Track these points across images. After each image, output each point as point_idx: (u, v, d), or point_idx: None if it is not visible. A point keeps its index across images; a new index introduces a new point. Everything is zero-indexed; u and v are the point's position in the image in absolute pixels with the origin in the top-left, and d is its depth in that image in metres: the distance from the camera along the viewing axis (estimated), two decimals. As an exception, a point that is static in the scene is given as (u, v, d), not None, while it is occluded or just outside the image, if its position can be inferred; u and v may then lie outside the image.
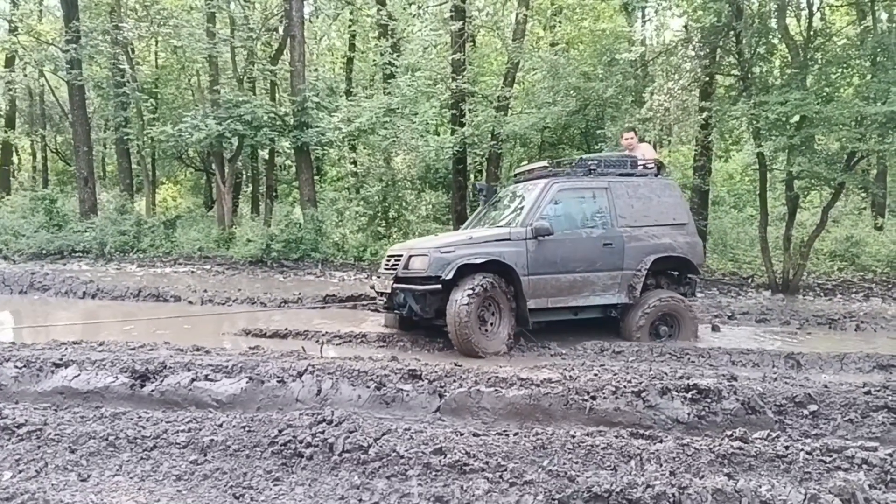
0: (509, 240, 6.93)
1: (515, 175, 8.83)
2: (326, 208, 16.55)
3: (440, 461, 3.44)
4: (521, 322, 6.96)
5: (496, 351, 6.56)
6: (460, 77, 14.95)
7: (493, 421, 4.26)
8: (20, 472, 3.60)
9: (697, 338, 7.50)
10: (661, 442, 3.72)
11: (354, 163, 18.39)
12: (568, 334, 7.45)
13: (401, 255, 7.14)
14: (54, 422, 4.16)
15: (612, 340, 7.13)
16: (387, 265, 7.43)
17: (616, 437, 3.83)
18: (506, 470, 3.35)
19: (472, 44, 17.83)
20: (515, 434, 3.85)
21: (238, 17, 16.99)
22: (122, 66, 16.77)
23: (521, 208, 7.36)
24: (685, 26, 13.70)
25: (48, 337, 6.75)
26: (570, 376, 4.62)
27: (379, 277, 7.51)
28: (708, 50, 12.29)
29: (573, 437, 3.72)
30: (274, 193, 19.91)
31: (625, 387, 4.33)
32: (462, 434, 3.81)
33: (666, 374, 5.01)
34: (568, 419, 4.24)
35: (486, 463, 3.42)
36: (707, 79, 13.21)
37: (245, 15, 16.95)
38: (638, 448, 3.57)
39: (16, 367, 4.99)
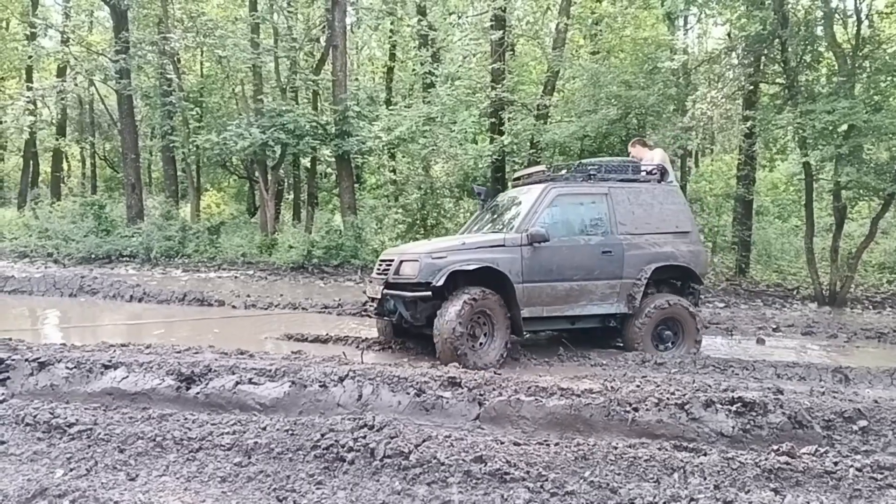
0: (503, 246, 6.70)
1: (515, 179, 8.63)
2: (366, 215, 16.71)
3: (480, 469, 3.45)
4: (516, 331, 6.75)
5: (485, 366, 6.16)
6: (500, 86, 14.98)
7: (532, 430, 4.24)
8: (71, 470, 3.70)
9: (698, 347, 7.25)
10: (705, 455, 3.66)
11: (394, 171, 18.53)
12: (605, 344, 7.38)
13: (392, 260, 6.92)
14: (104, 422, 4.27)
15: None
16: (379, 270, 7.19)
17: (659, 449, 3.79)
18: (547, 480, 3.34)
19: (511, 52, 17.85)
20: (556, 444, 3.83)
21: (281, 27, 17.31)
22: (168, 76, 17.20)
23: (518, 214, 7.14)
24: (728, 34, 13.52)
25: (97, 339, 6.93)
26: (612, 387, 4.58)
27: (371, 282, 7.29)
28: (752, 58, 12.11)
29: (615, 448, 3.69)
30: (315, 201, 20.16)
31: (668, 398, 4.27)
32: (502, 443, 3.81)
33: (709, 386, 4.93)
34: (609, 430, 4.20)
35: (527, 472, 3.42)
36: (751, 87, 13.02)
37: (288, 26, 17.26)
38: (681, 461, 3.53)
39: (67, 368, 5.11)
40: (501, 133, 15.08)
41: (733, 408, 4.19)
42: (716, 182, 17.10)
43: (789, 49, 11.10)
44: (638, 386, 4.67)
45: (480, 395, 4.52)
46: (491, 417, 4.36)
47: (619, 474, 3.46)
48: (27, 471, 3.66)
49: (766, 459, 3.55)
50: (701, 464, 3.50)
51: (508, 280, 6.57)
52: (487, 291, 6.47)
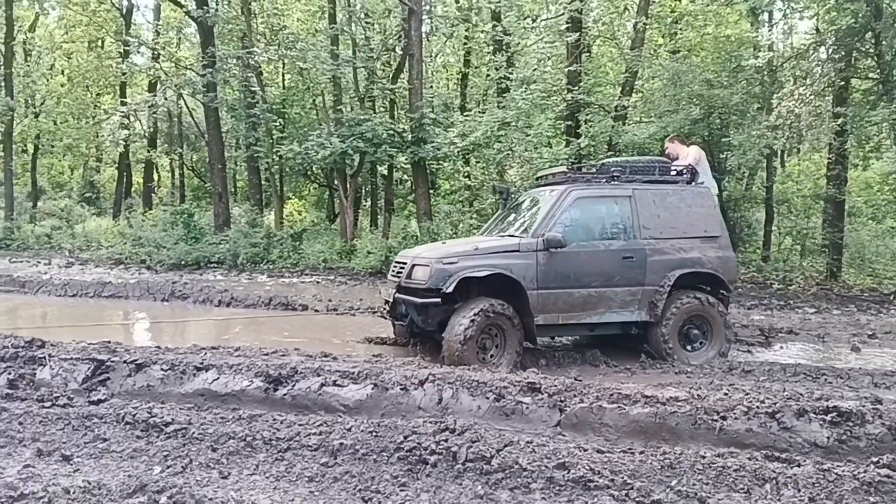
0: (518, 251, 6.53)
1: (537, 178, 8.40)
2: (441, 221, 16.83)
3: (563, 476, 3.44)
4: (529, 339, 6.58)
5: None
6: (576, 88, 14.84)
7: (616, 438, 4.19)
8: (168, 467, 3.87)
9: (728, 348, 6.95)
10: (798, 466, 3.53)
11: (468, 176, 18.60)
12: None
13: (405, 263, 6.84)
14: (197, 422, 4.45)
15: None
16: (393, 272, 7.10)
17: (749, 459, 3.67)
18: (632, 488, 3.29)
19: (588, 53, 17.65)
20: (641, 452, 3.78)
21: (359, 38, 17.68)
22: (253, 89, 17.83)
23: (536, 217, 6.94)
24: (816, 29, 12.97)
25: (188, 342, 7.24)
26: (698, 395, 4.47)
27: (386, 284, 7.22)
28: (843, 52, 11.56)
29: (703, 457, 3.60)
30: (391, 207, 20.47)
31: (757, 407, 4.14)
32: (585, 450, 3.78)
33: (801, 395, 4.73)
34: (696, 439, 4.10)
35: (612, 480, 3.38)
36: (842, 83, 12.42)
37: (366, 36, 17.61)
38: (773, 471, 3.42)
39: (162, 369, 5.34)
40: (578, 136, 14.92)
41: (828, 417, 4.02)
42: (804, 182, 16.38)
43: (884, 42, 10.54)
44: (725, 394, 4.53)
45: (561, 401, 4.49)
46: (572, 424, 4.33)
47: (707, 484, 3.37)
48: (127, 467, 3.86)
49: (864, 472, 3.40)
50: (794, 475, 3.38)
51: (522, 287, 6.41)
52: (499, 304, 6.33)
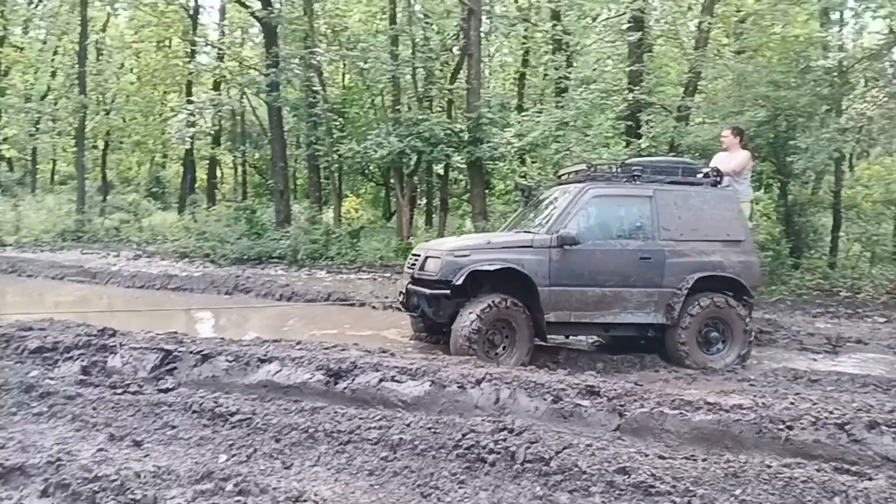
0: (531, 247, 6.49)
1: (559, 177, 8.30)
2: (496, 221, 16.81)
3: (624, 480, 3.41)
4: (539, 336, 6.52)
5: None
6: (637, 88, 14.62)
7: (677, 444, 4.12)
8: (233, 455, 3.97)
9: (746, 356, 6.72)
10: (869, 480, 3.42)
11: (524, 176, 18.54)
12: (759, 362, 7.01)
13: (419, 255, 6.87)
14: (261, 412, 4.56)
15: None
16: (409, 264, 7.15)
17: (817, 470, 3.57)
18: (695, 496, 3.25)
19: (649, 52, 17.36)
20: (703, 459, 3.71)
21: (418, 38, 17.81)
22: (314, 88, 18.15)
23: (552, 214, 6.88)
24: (890, 29, 12.46)
25: (251, 333, 7.44)
26: (763, 403, 4.36)
27: (402, 275, 7.28)
28: (920, 53, 11.09)
29: (768, 467, 3.52)
30: (446, 206, 20.55)
31: (826, 417, 4.02)
32: (646, 455, 3.74)
33: (872, 406, 4.57)
34: (760, 448, 4.01)
35: (674, 487, 3.34)
36: (921, 83, 11.91)
37: (426, 37, 17.73)
38: (843, 484, 3.32)
39: (227, 360, 5.49)
40: (639, 136, 14.70)
41: (902, 431, 3.88)
42: (874, 187, 15.76)
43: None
44: (792, 403, 4.41)
45: (620, 405, 4.45)
46: (632, 429, 4.28)
47: (773, 494, 3.30)
48: (195, 454, 3.98)
49: (941, 490, 3.27)
50: (865, 489, 3.28)
51: (533, 283, 6.35)
52: (509, 299, 6.28)
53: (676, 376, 6.38)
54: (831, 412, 4.12)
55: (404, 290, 7.04)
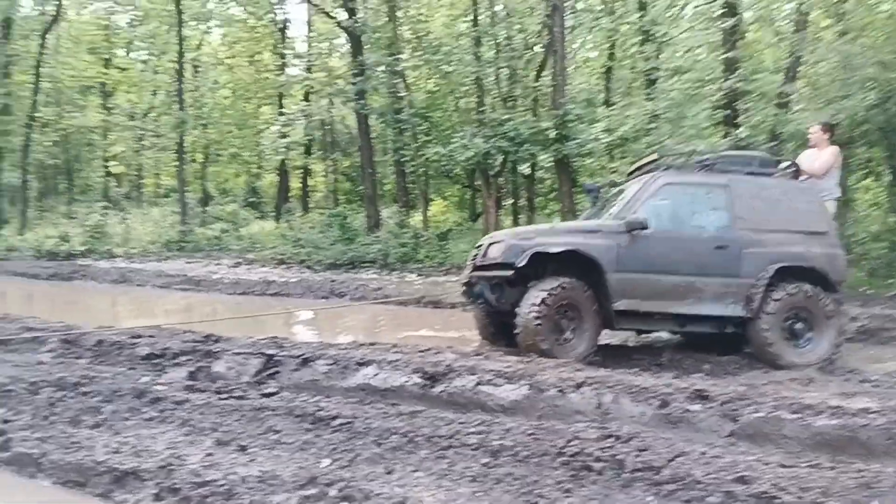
0: (599, 231, 6.33)
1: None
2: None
3: (744, 491, 3.18)
4: (607, 324, 6.26)
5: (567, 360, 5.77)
6: (734, 76, 13.97)
7: (798, 451, 3.84)
8: (335, 460, 3.94)
9: (836, 349, 6.26)
10: None
11: (614, 172, 18.08)
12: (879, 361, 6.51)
13: (483, 245, 6.77)
14: (361, 416, 4.53)
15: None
16: (472, 255, 7.03)
17: (961, 481, 3.23)
18: (825, 508, 3.00)
19: (741, 38, 16.58)
20: (831, 468, 3.43)
21: (501, 38, 17.70)
22: (400, 95, 18.36)
23: (621, 203, 6.67)
24: None
25: (349, 336, 7.52)
26: (893, 407, 4.01)
27: (466, 267, 7.13)
28: None
29: (908, 477, 3.22)
30: (533, 206, 20.32)
31: (968, 424, 3.65)
32: (767, 463, 3.49)
33: None
34: (892, 456, 3.69)
35: (800, 498, 3.09)
36: None
37: (508, 36, 17.60)
38: None
39: (326, 364, 5.54)
40: (736, 126, 14.04)
41: None
42: None
43: None
44: (926, 406, 4.04)
45: (733, 410, 4.20)
46: (747, 435, 4.03)
47: (914, 508, 3.01)
48: (298, 459, 3.97)
49: None
50: None
51: (599, 266, 6.11)
52: (575, 281, 6.08)
53: (791, 378, 5.99)
54: (974, 418, 3.74)
55: (467, 280, 6.97)
